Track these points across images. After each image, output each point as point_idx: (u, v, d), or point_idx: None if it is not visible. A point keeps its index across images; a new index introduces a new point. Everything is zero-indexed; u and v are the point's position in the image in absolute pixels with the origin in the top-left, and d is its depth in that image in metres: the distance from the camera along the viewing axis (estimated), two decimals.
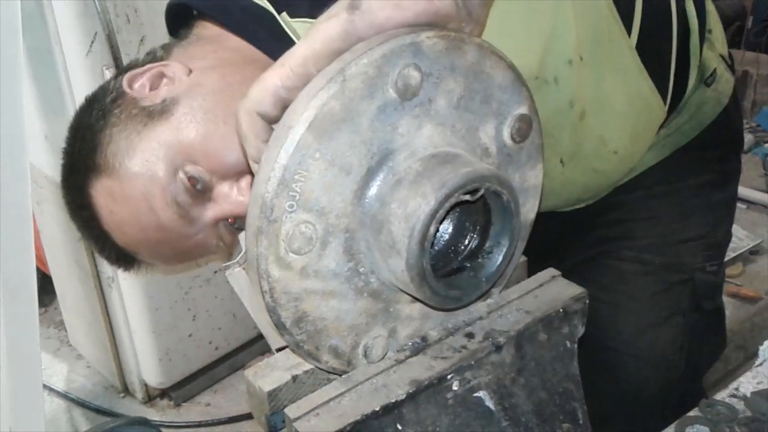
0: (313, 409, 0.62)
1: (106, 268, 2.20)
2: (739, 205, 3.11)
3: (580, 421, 0.74)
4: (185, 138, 0.85)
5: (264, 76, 0.59)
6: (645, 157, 1.08)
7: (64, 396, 2.44)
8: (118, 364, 2.39)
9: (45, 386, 2.27)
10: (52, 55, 1.85)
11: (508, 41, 0.68)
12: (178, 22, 0.99)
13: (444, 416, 0.66)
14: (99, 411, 2.38)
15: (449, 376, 0.66)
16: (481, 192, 0.59)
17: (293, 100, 0.57)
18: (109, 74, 1.78)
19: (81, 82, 1.83)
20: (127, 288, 2.19)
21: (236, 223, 0.92)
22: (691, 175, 1.13)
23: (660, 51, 0.98)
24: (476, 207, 0.63)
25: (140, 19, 1.87)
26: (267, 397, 0.64)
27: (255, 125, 0.59)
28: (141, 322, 2.24)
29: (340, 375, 0.66)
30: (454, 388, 0.66)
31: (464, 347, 0.68)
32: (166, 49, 0.96)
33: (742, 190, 3.22)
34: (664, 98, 0.99)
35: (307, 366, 0.66)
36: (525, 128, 0.67)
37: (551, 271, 0.78)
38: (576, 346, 0.75)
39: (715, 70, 1.08)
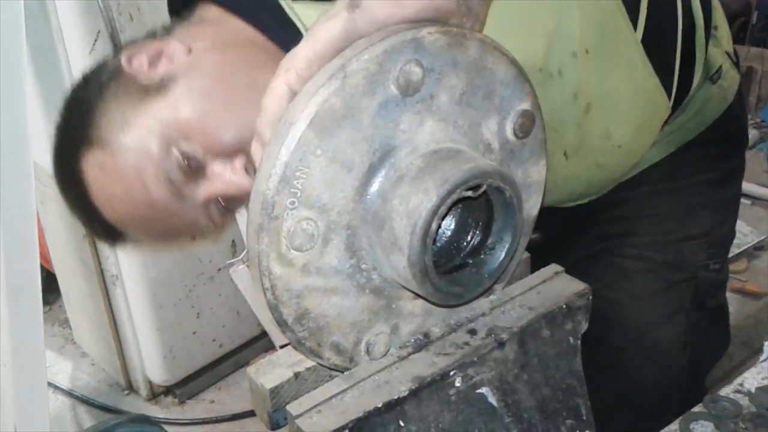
0: (315, 406, 0.62)
1: (111, 266, 2.20)
2: (743, 200, 3.10)
3: (584, 418, 0.74)
4: (181, 115, 0.85)
5: (272, 85, 0.59)
6: (649, 153, 1.07)
7: (69, 393, 2.45)
8: (123, 361, 2.40)
9: (49, 384, 2.27)
10: (56, 54, 1.85)
11: (512, 33, 0.67)
12: (180, 3, 0.99)
13: (446, 413, 0.65)
14: (103, 408, 2.39)
15: (452, 373, 0.66)
16: (484, 188, 0.59)
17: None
18: None
19: None
20: (132, 286, 2.20)
21: (228, 203, 0.91)
22: (694, 172, 1.13)
23: (665, 46, 0.98)
24: (479, 203, 0.63)
25: (143, 18, 1.88)
26: (269, 394, 0.64)
27: None
28: (145, 320, 2.24)
29: (343, 372, 0.66)
30: (457, 384, 0.66)
31: (467, 344, 0.68)
32: (167, 29, 0.96)
33: (747, 186, 3.21)
34: (669, 94, 0.99)
35: (310, 363, 0.66)
36: (528, 124, 0.67)
37: (554, 267, 0.78)
38: (579, 342, 0.75)
39: (720, 67, 1.08)
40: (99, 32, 1.81)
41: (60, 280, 2.48)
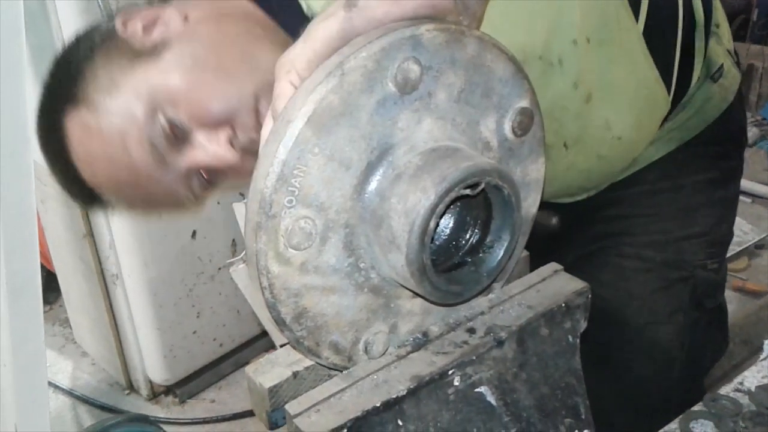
0: (313, 406, 0.61)
1: (111, 265, 2.20)
2: (743, 198, 3.10)
3: (583, 416, 0.74)
4: (170, 81, 0.84)
5: (277, 90, 0.59)
6: (648, 150, 1.07)
7: (69, 393, 2.45)
8: (123, 361, 2.40)
9: (50, 383, 2.27)
10: (55, 53, 1.85)
11: (512, 20, 0.67)
12: None
13: (445, 412, 0.65)
14: (104, 408, 2.39)
15: (450, 372, 0.65)
16: (482, 186, 0.58)
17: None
18: None
19: None
20: (132, 285, 2.20)
21: (210, 176, 0.91)
22: (694, 171, 1.13)
23: (665, 41, 0.98)
24: (477, 201, 0.63)
25: None
26: (268, 394, 0.64)
27: None
28: (145, 320, 2.25)
29: (341, 371, 0.66)
30: (456, 383, 0.66)
31: (465, 342, 0.68)
32: None
33: (747, 184, 3.21)
34: (668, 89, 0.99)
35: (308, 362, 0.66)
36: (526, 121, 0.66)
37: (554, 266, 0.78)
38: (578, 341, 0.75)
39: (722, 65, 1.08)
40: None
41: (60, 280, 2.48)
